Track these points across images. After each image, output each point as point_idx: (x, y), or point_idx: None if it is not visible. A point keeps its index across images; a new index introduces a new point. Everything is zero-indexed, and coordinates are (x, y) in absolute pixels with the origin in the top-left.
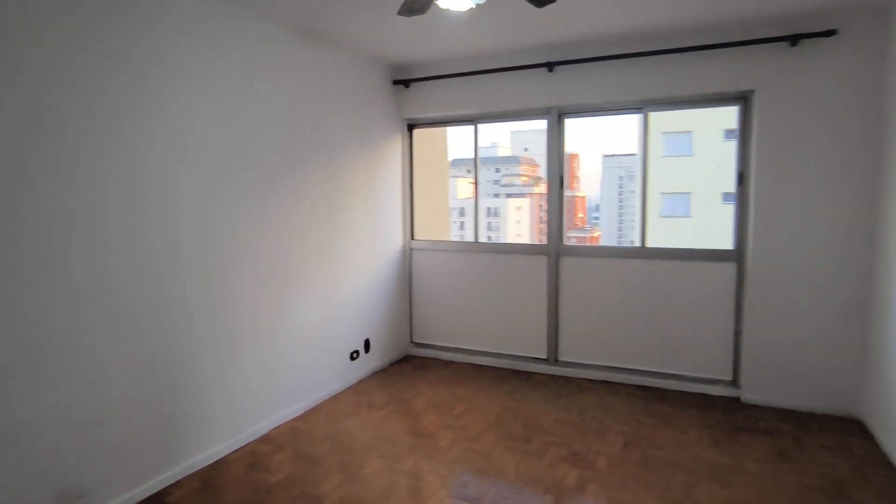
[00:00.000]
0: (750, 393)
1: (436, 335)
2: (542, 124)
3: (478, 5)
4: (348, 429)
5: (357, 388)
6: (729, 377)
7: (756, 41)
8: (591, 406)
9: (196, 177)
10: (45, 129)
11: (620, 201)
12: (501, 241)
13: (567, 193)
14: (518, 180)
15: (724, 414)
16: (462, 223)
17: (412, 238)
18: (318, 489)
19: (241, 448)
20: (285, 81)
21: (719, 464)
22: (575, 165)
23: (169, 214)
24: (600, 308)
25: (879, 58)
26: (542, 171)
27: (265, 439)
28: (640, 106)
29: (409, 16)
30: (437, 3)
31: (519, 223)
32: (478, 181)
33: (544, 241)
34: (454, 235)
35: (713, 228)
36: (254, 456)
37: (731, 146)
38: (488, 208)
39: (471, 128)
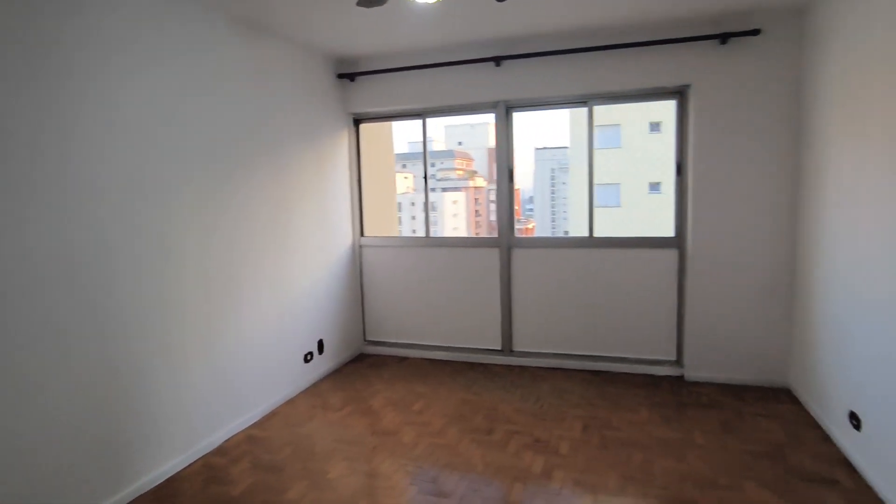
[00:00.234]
0: (692, 371)
1: (389, 332)
2: (476, 118)
3: None
4: (308, 433)
5: (313, 390)
6: (673, 357)
7: (691, 39)
8: (547, 393)
9: (131, 175)
10: None
11: (553, 193)
12: (440, 235)
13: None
14: (453, 174)
15: (671, 392)
16: (399, 218)
17: (362, 235)
18: (283, 498)
19: (195, 462)
20: (228, 74)
21: (671, 439)
22: None
23: (99, 215)
24: (551, 297)
25: (797, 55)
26: (476, 165)
27: (220, 450)
28: (585, 100)
29: (369, 7)
30: None
31: (456, 216)
32: (427, 175)
33: (481, 233)
34: (399, 231)
35: (642, 217)
36: (210, 469)
37: (656, 138)
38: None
39: (418, 122)
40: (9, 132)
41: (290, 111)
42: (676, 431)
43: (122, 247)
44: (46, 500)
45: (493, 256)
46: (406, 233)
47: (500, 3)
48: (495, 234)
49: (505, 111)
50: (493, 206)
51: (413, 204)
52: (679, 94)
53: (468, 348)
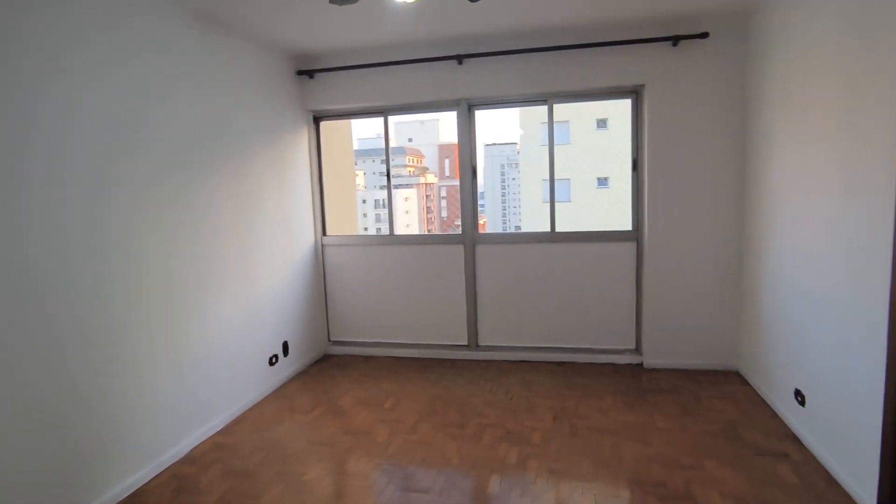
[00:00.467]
0: (651, 358)
1: (354, 331)
2: (425, 116)
3: None
4: (278, 436)
5: (279, 392)
6: (633, 346)
7: (645, 40)
8: (515, 386)
9: (89, 174)
10: None
11: (504, 189)
12: (394, 232)
13: (453, 183)
14: (404, 171)
15: (632, 379)
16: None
17: (324, 234)
18: (260, 503)
19: (161, 473)
20: (188, 73)
21: (636, 424)
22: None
23: (54, 213)
24: (516, 292)
25: (744, 57)
26: (427, 162)
27: (188, 459)
28: (546, 98)
29: (342, 4)
30: None
31: (408, 213)
32: (390, 173)
33: (433, 230)
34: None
35: (592, 212)
36: (178, 479)
37: (604, 135)
38: (376, 200)
39: (377, 119)
40: None
41: (250, 109)
42: (640, 416)
43: (84, 251)
44: None
45: (458, 253)
46: (360, 231)
47: (472, 3)
48: (448, 231)
49: (467, 109)
50: (444, 203)
51: (364, 201)
52: (634, 93)
53: (434, 345)
